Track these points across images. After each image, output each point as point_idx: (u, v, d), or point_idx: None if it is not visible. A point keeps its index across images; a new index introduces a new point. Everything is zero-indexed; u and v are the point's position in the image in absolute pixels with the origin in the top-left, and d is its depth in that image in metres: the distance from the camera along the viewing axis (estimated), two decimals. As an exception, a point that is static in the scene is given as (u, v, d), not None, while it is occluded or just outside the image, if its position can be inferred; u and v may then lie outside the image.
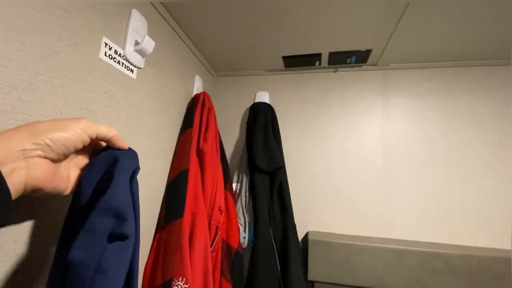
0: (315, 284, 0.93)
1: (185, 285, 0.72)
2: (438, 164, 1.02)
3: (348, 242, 0.93)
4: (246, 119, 1.22)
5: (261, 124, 1.10)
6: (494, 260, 0.83)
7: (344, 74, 1.18)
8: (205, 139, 0.94)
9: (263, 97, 1.23)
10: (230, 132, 1.26)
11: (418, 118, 1.08)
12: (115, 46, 0.63)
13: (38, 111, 0.45)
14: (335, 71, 1.19)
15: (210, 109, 1.01)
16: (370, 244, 0.92)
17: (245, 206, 1.03)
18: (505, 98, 1.02)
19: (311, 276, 0.93)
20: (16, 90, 0.42)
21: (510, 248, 0.88)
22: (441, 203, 0.99)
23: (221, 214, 0.90)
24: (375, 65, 1.14)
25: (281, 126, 1.17)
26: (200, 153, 0.93)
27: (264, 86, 1.27)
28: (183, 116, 0.99)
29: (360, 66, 1.16)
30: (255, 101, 1.22)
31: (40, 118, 0.46)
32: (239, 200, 1.05)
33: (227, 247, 0.90)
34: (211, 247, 0.83)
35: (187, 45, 1.01)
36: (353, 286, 0.89)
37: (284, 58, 1.12)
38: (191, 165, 0.89)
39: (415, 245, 0.90)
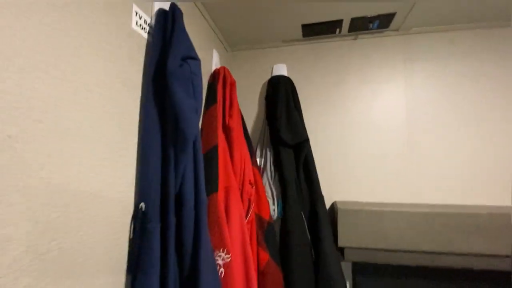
0: (345, 249, 0.96)
1: (226, 255, 0.74)
2: (463, 129, 1.02)
3: (376, 209, 0.95)
4: (264, 93, 1.20)
5: (282, 97, 1.08)
6: (497, 216, 0.85)
7: (365, 41, 1.15)
8: (230, 115, 0.93)
9: (281, 70, 1.19)
10: (248, 107, 1.24)
11: (443, 84, 1.06)
12: (144, 15, 0.60)
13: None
14: (355, 39, 1.16)
15: (232, 84, 0.99)
16: (399, 210, 0.94)
17: (272, 180, 1.04)
18: None
19: (341, 243, 0.96)
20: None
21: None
22: (467, 166, 1.00)
23: (252, 187, 0.91)
24: (397, 30, 1.10)
25: (301, 99, 1.15)
26: (226, 129, 0.92)
27: (280, 59, 1.23)
28: (205, 92, 0.97)
29: (382, 32, 1.12)
30: (273, 75, 1.19)
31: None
32: (264, 175, 1.05)
33: (259, 219, 0.93)
34: (246, 219, 0.85)
35: (204, 17, 0.97)
36: (383, 249, 0.93)
37: (304, 26, 1.07)
38: (219, 141, 0.88)
39: (444, 207, 0.92)
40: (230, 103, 0.95)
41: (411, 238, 0.91)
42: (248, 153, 0.98)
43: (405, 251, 0.91)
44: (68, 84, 0.42)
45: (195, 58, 0.64)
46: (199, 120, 0.63)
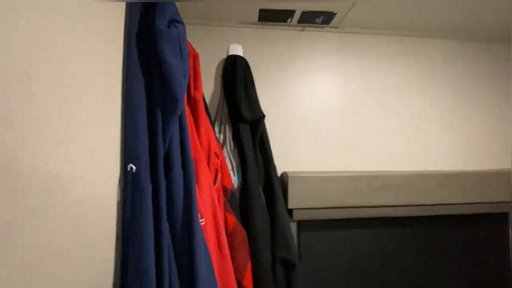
0: (294, 210, 1.13)
1: (201, 220, 0.78)
2: (383, 112, 1.32)
3: (319, 175, 1.15)
4: (220, 71, 1.24)
5: (241, 76, 1.15)
6: (410, 177, 1.19)
7: (310, 33, 1.31)
8: (196, 87, 0.94)
9: (237, 50, 1.24)
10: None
11: (368, 76, 1.33)
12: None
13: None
14: (302, 30, 1.31)
15: (196, 56, 0.99)
16: (334, 175, 1.16)
17: (231, 153, 1.11)
18: (429, 66, 1.37)
19: (290, 205, 1.12)
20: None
21: (419, 169, 1.28)
22: (383, 142, 1.31)
23: (218, 158, 0.95)
24: (336, 27, 1.30)
25: (255, 79, 1.23)
26: (192, 101, 0.93)
27: (235, 39, 1.27)
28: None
29: (323, 27, 1.30)
30: (229, 54, 1.23)
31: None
32: (224, 149, 1.11)
33: (224, 188, 0.99)
34: (214, 186, 0.90)
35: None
36: (323, 208, 1.14)
37: (261, 10, 1.15)
38: (186, 112, 0.89)
39: (365, 173, 1.19)
40: (195, 75, 0.96)
41: (344, 197, 1.14)
42: (211, 127, 1.01)
43: (339, 207, 1.14)
44: (65, 36, 0.38)
45: (181, 22, 0.64)
46: (187, 84, 0.64)
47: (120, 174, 0.54)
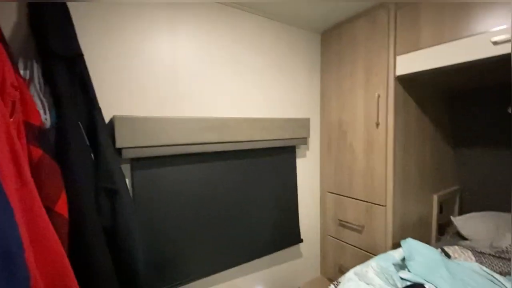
0: (123, 149, 1.21)
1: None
2: (208, 69, 1.56)
3: (147, 116, 1.27)
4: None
5: (53, 9, 1.05)
6: (228, 120, 1.53)
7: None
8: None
9: (47, -21, 1.11)
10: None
11: (198, 36, 1.52)
12: None
13: None
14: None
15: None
16: (162, 117, 1.31)
17: (41, 92, 1.03)
18: (243, 36, 1.69)
19: (118, 144, 1.19)
20: None
21: (238, 116, 1.64)
22: (209, 93, 1.57)
23: (16, 90, 0.88)
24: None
25: (79, 22, 1.15)
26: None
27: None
28: None
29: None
30: (36, -19, 1.08)
31: None
32: (32, 86, 1.02)
33: (28, 124, 0.92)
34: (11, 118, 0.83)
35: None
36: (154, 146, 1.28)
37: None
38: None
39: (193, 117, 1.42)
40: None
41: (174, 136, 1.33)
42: (6, 56, 0.90)
43: (170, 145, 1.32)
44: None
45: None
46: None
47: None
